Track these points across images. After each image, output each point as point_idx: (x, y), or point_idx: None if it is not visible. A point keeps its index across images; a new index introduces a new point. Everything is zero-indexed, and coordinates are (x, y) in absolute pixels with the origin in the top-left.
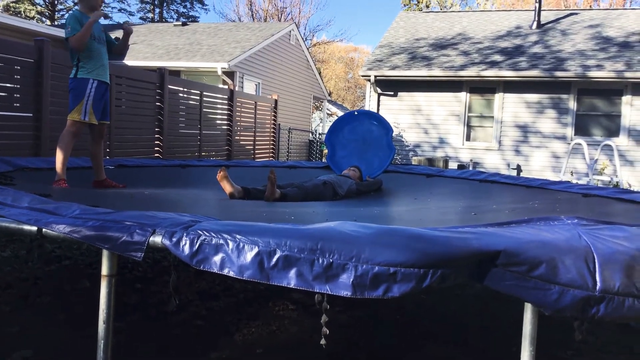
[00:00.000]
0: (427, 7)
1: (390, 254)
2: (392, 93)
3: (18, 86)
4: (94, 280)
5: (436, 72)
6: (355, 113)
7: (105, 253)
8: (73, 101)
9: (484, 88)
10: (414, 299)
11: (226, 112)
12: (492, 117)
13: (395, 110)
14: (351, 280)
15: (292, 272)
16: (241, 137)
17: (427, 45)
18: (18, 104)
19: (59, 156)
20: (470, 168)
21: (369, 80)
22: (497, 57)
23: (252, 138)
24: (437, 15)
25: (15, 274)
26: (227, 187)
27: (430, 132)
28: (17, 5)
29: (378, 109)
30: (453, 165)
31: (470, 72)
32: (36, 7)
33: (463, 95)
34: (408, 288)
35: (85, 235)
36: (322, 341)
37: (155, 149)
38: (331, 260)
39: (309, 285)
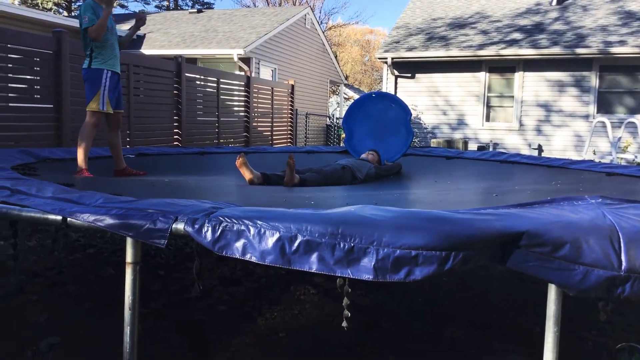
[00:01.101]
0: None
1: (411, 237)
2: (409, 75)
3: (38, 78)
4: (119, 267)
5: (454, 52)
6: (373, 95)
7: (129, 241)
8: (90, 92)
9: (503, 67)
10: (435, 281)
11: (243, 98)
12: (512, 96)
13: (413, 92)
14: (373, 264)
15: (314, 257)
16: (259, 124)
17: (445, 25)
18: (38, 96)
19: (81, 147)
20: (491, 149)
21: (386, 63)
22: (517, 35)
23: (270, 124)
24: None
25: (42, 263)
26: (247, 173)
27: (449, 113)
28: None
29: (395, 92)
30: (473, 146)
31: (489, 52)
32: None
33: (482, 75)
34: (430, 271)
35: (109, 223)
36: (344, 324)
37: (175, 137)
38: (352, 244)
39: (331, 269)
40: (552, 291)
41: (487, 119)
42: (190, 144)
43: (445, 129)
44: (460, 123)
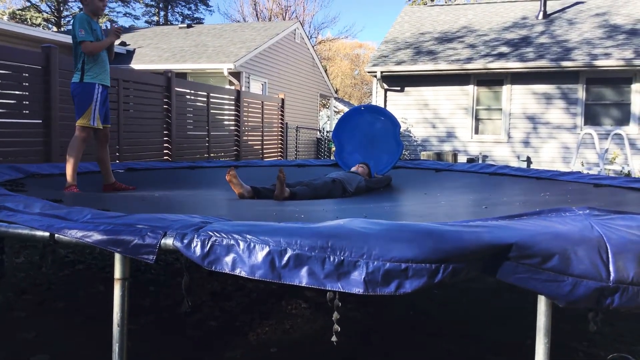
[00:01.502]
0: (432, 0)
1: (401, 249)
2: (398, 88)
3: (27, 93)
4: (108, 284)
5: (442, 66)
6: (362, 108)
7: (117, 257)
8: (80, 107)
9: (491, 80)
10: (426, 294)
11: (233, 112)
12: (501, 109)
13: (402, 106)
14: (363, 277)
15: (304, 271)
16: (249, 137)
17: (433, 39)
18: (27, 111)
19: (70, 162)
20: (480, 161)
21: (375, 76)
22: (504, 49)
23: (260, 138)
24: (442, 9)
25: (30, 280)
26: (237, 188)
27: (438, 126)
28: (23, 13)
29: (385, 105)
30: (462, 159)
31: (477, 65)
32: (42, 14)
33: (470, 88)
34: (420, 284)
35: (97, 239)
36: (334, 338)
37: (165, 151)
38: (342, 257)
39: (321, 283)
40: (542, 303)
41: (476, 131)
42: (180, 159)
43: (434, 142)
44: (450, 136)
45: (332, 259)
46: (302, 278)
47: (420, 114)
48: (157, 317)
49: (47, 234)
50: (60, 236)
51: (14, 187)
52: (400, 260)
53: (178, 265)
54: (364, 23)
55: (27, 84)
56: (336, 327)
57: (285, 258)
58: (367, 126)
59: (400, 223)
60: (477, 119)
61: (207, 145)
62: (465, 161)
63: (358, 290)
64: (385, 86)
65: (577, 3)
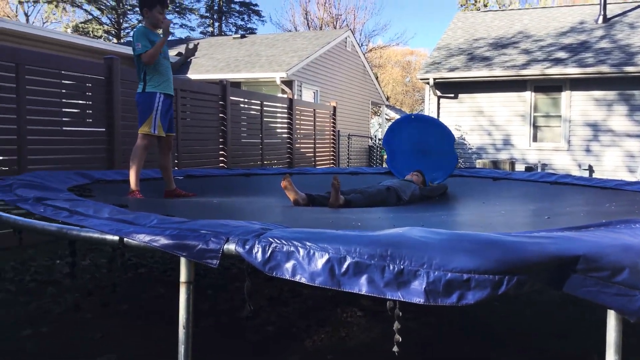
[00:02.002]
0: (485, 6)
1: (463, 260)
2: (452, 95)
3: (90, 102)
4: (169, 287)
5: (497, 72)
6: (412, 117)
7: (183, 261)
8: (142, 115)
9: (549, 86)
10: (486, 305)
11: (286, 120)
12: (560, 116)
13: (456, 113)
14: (423, 287)
15: (363, 279)
16: (301, 145)
17: (487, 45)
18: (90, 120)
19: (133, 168)
20: (539, 170)
21: (428, 83)
22: (562, 54)
23: (312, 145)
24: (495, 14)
25: (95, 282)
26: (292, 195)
27: (493, 134)
28: (86, 26)
29: (438, 112)
30: (520, 167)
31: (534, 71)
32: (103, 27)
33: (527, 95)
34: (483, 295)
35: (164, 244)
36: (395, 348)
37: (220, 158)
38: (402, 266)
39: (381, 292)
40: (612, 317)
41: (534, 139)
42: (235, 166)
43: (490, 150)
44: (506, 143)
45: (391, 267)
46: (362, 286)
47: (474, 121)
48: (216, 320)
49: (116, 237)
50: (129, 240)
51: (82, 193)
52: (462, 270)
53: (234, 270)
54: (416, 30)
55: (90, 94)
56: (397, 337)
57: (345, 266)
58: (419, 135)
59: (461, 233)
60: (535, 126)
61: (261, 153)
62: (524, 170)
63: (419, 300)
64: (438, 93)
65: (639, 6)
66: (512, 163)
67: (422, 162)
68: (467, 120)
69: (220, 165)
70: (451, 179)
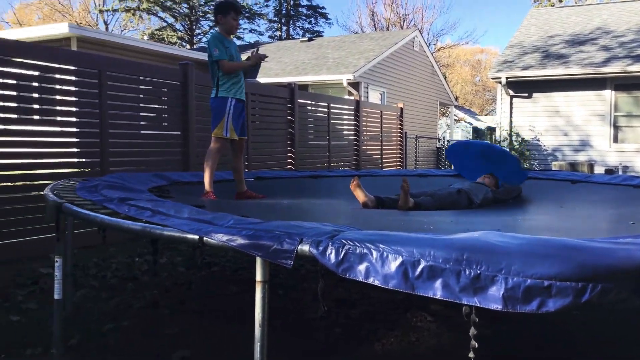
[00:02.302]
0: (560, 1)
1: (543, 265)
2: (525, 94)
3: (166, 107)
4: (240, 285)
5: (574, 70)
6: (467, 144)
7: (258, 260)
8: (215, 119)
9: (631, 84)
10: (564, 313)
11: (353, 122)
12: None
13: (529, 113)
14: (501, 293)
15: (438, 283)
16: (368, 147)
17: (563, 42)
18: (166, 124)
19: (206, 170)
20: (620, 172)
21: (500, 82)
22: None
23: (379, 147)
24: (572, 10)
25: (172, 279)
26: (361, 197)
27: (570, 134)
28: (160, 33)
29: (511, 112)
30: (599, 169)
31: (614, 68)
32: (177, 33)
33: (607, 94)
34: (565, 303)
35: (241, 243)
36: (471, 354)
37: (288, 160)
38: (479, 271)
39: (456, 297)
40: None
41: (615, 140)
42: (302, 168)
43: (567, 151)
44: (584, 144)
45: (467, 272)
46: (437, 290)
47: (549, 121)
48: (286, 320)
49: (196, 237)
50: (208, 239)
51: (161, 194)
52: (542, 277)
53: (303, 271)
54: (486, 27)
55: (166, 99)
56: (473, 343)
57: (419, 269)
58: (483, 156)
59: (541, 237)
60: (616, 127)
61: (328, 155)
62: (604, 172)
63: (496, 306)
64: (511, 92)
65: None
66: (591, 165)
67: (492, 168)
68: (542, 120)
69: (288, 167)
70: (527, 182)
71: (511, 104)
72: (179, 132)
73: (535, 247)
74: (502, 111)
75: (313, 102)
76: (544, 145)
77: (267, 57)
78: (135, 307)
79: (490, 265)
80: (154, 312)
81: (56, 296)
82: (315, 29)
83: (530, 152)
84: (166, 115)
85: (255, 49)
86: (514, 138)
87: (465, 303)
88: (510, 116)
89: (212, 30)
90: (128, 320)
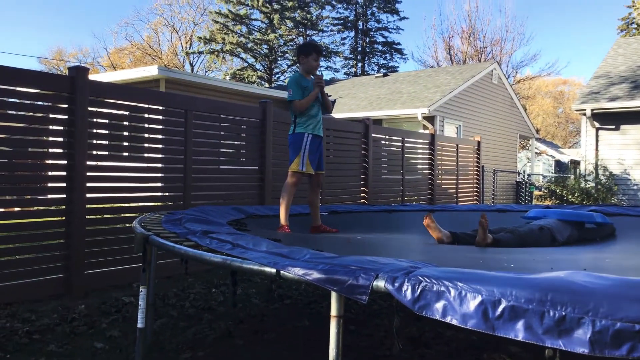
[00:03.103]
0: None
1: (634, 308)
2: (613, 127)
3: (244, 143)
4: (312, 318)
5: None
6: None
7: (333, 295)
8: (292, 154)
9: None
10: None
11: (427, 156)
12: None
13: (618, 146)
14: (588, 336)
15: (520, 324)
16: (443, 181)
17: None
18: (244, 159)
19: (282, 204)
20: None
21: (584, 114)
22: None
23: (455, 181)
24: None
25: (246, 311)
26: (435, 232)
27: None
28: (241, 72)
29: (597, 145)
30: None
31: None
32: (257, 73)
33: None
34: None
35: (317, 278)
36: None
37: (361, 194)
38: (564, 313)
39: (539, 339)
40: None
41: None
42: (375, 202)
43: None
44: None
45: (552, 313)
46: (518, 332)
47: (639, 154)
48: (358, 356)
49: (274, 270)
50: (285, 273)
51: (239, 227)
52: (634, 320)
53: (375, 307)
54: (569, 58)
55: (244, 135)
56: None
57: (500, 309)
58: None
59: (631, 279)
60: None
61: (402, 189)
62: None
63: (582, 350)
64: (597, 125)
65: None
66: None
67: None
68: (631, 153)
69: (361, 201)
70: (613, 219)
71: (597, 136)
72: (257, 167)
73: (625, 288)
74: (587, 144)
75: (387, 137)
76: (634, 180)
77: (322, 76)
78: (211, 337)
79: (577, 307)
80: (228, 342)
81: (139, 325)
82: (390, 64)
83: (618, 187)
84: (244, 151)
85: (315, 76)
86: (600, 172)
87: (549, 346)
88: (596, 149)
89: (293, 69)
90: (204, 350)
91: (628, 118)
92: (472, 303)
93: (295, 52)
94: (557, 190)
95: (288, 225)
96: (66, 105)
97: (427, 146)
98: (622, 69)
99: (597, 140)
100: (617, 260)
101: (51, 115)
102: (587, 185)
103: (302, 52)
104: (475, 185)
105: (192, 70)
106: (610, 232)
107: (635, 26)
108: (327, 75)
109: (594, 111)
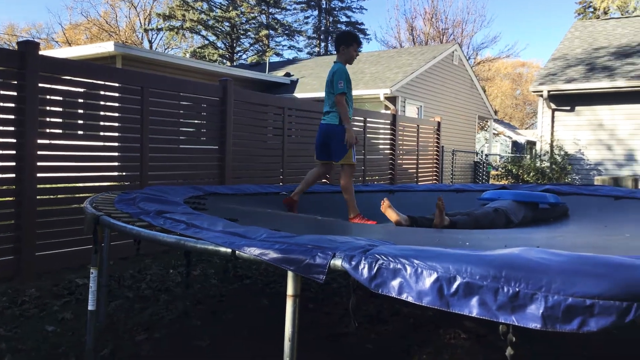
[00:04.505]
0: (606, 13)
1: (586, 284)
2: (568, 108)
3: (204, 122)
4: (272, 299)
5: (620, 83)
6: (499, 194)
7: (290, 274)
8: (341, 147)
9: None
10: (602, 333)
11: (389, 136)
12: None
13: (572, 127)
14: (541, 311)
15: (474, 301)
16: (404, 161)
17: (608, 55)
18: (204, 138)
19: (350, 197)
20: None
21: (541, 96)
22: None
23: (415, 161)
24: (618, 22)
25: (205, 292)
26: (393, 216)
27: (614, 148)
28: (202, 50)
29: (553, 126)
30: None
31: None
32: (218, 51)
33: None
34: (607, 322)
35: (273, 257)
36: None
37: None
38: (517, 289)
39: (493, 315)
40: None
41: None
42: (337, 182)
43: (610, 166)
44: (629, 159)
45: (505, 289)
46: (473, 308)
47: (593, 135)
48: (316, 335)
49: (229, 250)
50: (241, 253)
51: (197, 207)
52: (585, 295)
53: (335, 285)
54: (528, 41)
55: (205, 114)
56: None
57: (455, 286)
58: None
59: (584, 255)
60: None
61: (363, 169)
62: None
63: (535, 325)
64: (553, 106)
65: None
66: (636, 180)
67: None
68: (585, 134)
69: (323, 180)
70: (567, 198)
71: (553, 117)
72: (217, 147)
73: (577, 264)
74: (543, 125)
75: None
76: (587, 160)
77: (357, 143)
78: (168, 318)
79: (530, 283)
80: (185, 324)
81: (90, 307)
82: None
83: (572, 167)
84: (204, 130)
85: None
86: (556, 152)
87: (503, 322)
88: (552, 130)
89: (255, 47)
90: (160, 332)
91: (583, 99)
92: (428, 280)
93: (336, 41)
94: (514, 170)
95: (361, 214)
96: (15, 82)
97: (389, 126)
98: (579, 52)
99: (552, 121)
100: (569, 238)
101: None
102: (542, 165)
103: (344, 42)
104: (435, 165)
105: (151, 47)
106: (563, 212)
107: (592, 10)
108: (290, 54)
109: (551, 93)
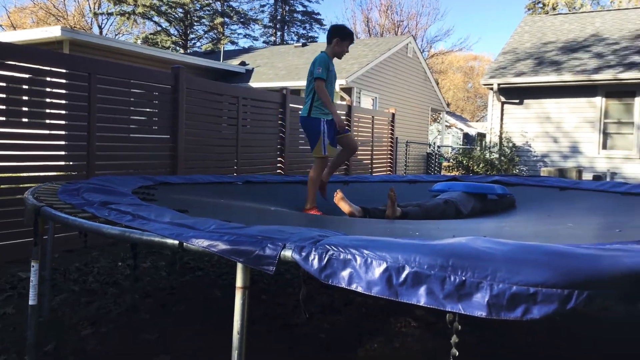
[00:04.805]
0: (554, 9)
1: (529, 272)
2: (517, 101)
3: (156, 110)
4: (224, 290)
5: (567, 77)
6: (449, 186)
7: (239, 266)
8: (311, 139)
9: (622, 92)
10: (547, 321)
11: None
12: (633, 122)
13: (521, 119)
14: (486, 300)
15: (422, 290)
16: (359, 152)
17: (556, 49)
18: (156, 127)
19: (312, 188)
20: (608, 179)
21: (492, 89)
22: (637, 58)
23: (370, 152)
24: (566, 17)
25: (154, 284)
26: (346, 208)
27: (560, 140)
28: (154, 37)
29: (502, 118)
30: (588, 176)
31: (606, 76)
32: (171, 38)
33: (598, 101)
34: (550, 310)
35: (222, 249)
36: None
37: (278, 165)
38: (464, 278)
39: (440, 303)
40: None
41: (604, 146)
42: (292, 172)
43: (556, 157)
44: (574, 151)
45: (452, 278)
46: (420, 297)
47: (540, 127)
48: (269, 326)
49: (176, 242)
50: (188, 245)
51: (145, 197)
52: (528, 283)
53: (288, 276)
54: (480, 34)
55: (156, 102)
56: (454, 351)
57: (403, 275)
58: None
59: (528, 244)
60: (605, 133)
61: None
62: (592, 178)
63: (480, 313)
64: (502, 99)
65: None
66: (580, 171)
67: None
68: (533, 126)
69: (278, 171)
70: (514, 188)
71: (502, 110)
72: (168, 136)
73: (522, 253)
74: (493, 117)
75: None
76: (534, 151)
77: (349, 132)
78: (115, 312)
79: (476, 272)
80: (134, 317)
81: (31, 302)
82: (310, 34)
83: (520, 158)
84: (156, 119)
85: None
86: (504, 144)
87: (449, 310)
88: (501, 122)
89: (210, 35)
90: (107, 325)
91: (531, 93)
92: (377, 270)
93: (330, 32)
94: (464, 162)
95: (316, 207)
96: None
97: (344, 117)
98: (528, 46)
99: (502, 114)
100: (516, 228)
101: None
102: (492, 157)
103: (339, 35)
104: (389, 156)
105: (101, 33)
106: (511, 203)
107: (542, 5)
108: (245, 43)
109: (501, 86)
